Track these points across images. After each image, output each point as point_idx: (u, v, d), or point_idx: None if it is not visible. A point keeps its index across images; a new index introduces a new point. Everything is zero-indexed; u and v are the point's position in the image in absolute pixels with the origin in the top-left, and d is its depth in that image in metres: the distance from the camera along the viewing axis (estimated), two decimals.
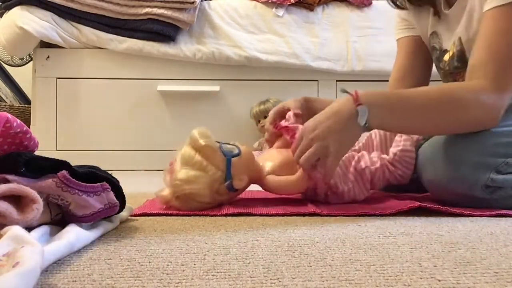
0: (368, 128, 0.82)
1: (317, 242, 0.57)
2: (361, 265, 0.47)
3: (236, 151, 0.86)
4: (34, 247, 0.40)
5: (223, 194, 0.84)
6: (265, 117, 2.11)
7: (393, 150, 0.94)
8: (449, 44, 1.00)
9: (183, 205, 0.81)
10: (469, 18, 0.93)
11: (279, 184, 0.88)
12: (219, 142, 0.86)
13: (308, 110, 0.97)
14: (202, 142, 0.82)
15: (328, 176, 0.84)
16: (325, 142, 0.80)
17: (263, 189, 0.92)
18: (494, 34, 0.84)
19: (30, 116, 2.19)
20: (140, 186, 1.21)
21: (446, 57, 1.02)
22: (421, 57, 1.12)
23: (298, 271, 0.45)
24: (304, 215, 0.78)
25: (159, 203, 0.85)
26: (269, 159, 0.92)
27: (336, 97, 2.12)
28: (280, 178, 0.87)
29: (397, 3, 1.09)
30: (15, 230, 0.44)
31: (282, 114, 0.99)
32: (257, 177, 0.89)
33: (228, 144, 0.88)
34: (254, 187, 0.93)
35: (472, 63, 0.87)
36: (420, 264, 0.47)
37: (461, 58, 0.97)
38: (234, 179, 0.84)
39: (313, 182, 0.86)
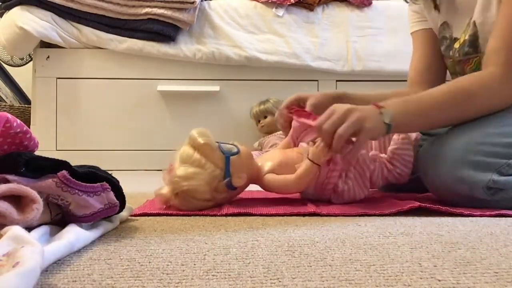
0: (390, 127, 0.82)
1: (317, 242, 0.57)
2: (361, 265, 0.47)
3: (235, 150, 0.86)
4: (34, 247, 0.40)
5: (222, 192, 0.85)
6: (265, 117, 2.12)
7: (390, 148, 0.94)
8: (460, 32, 1.01)
9: (182, 203, 0.81)
10: (486, 1, 0.93)
11: (279, 183, 0.88)
12: (218, 142, 0.86)
13: None
14: (200, 140, 0.83)
15: (353, 156, 0.84)
16: (363, 115, 0.79)
17: (262, 188, 0.92)
18: (509, 22, 0.85)
19: (30, 116, 2.19)
20: (140, 186, 1.21)
21: (457, 44, 1.02)
22: (437, 49, 1.11)
23: (298, 271, 0.45)
24: (304, 215, 0.78)
25: (159, 203, 0.85)
26: (269, 159, 0.92)
27: None
28: (279, 177, 0.87)
29: None
30: (15, 230, 0.44)
31: (298, 104, 0.98)
32: (256, 177, 0.89)
33: (227, 144, 0.88)
34: (254, 187, 0.94)
35: (486, 52, 0.89)
36: (420, 264, 0.47)
37: (473, 43, 0.97)
38: (233, 176, 0.84)
39: (329, 164, 0.86)
